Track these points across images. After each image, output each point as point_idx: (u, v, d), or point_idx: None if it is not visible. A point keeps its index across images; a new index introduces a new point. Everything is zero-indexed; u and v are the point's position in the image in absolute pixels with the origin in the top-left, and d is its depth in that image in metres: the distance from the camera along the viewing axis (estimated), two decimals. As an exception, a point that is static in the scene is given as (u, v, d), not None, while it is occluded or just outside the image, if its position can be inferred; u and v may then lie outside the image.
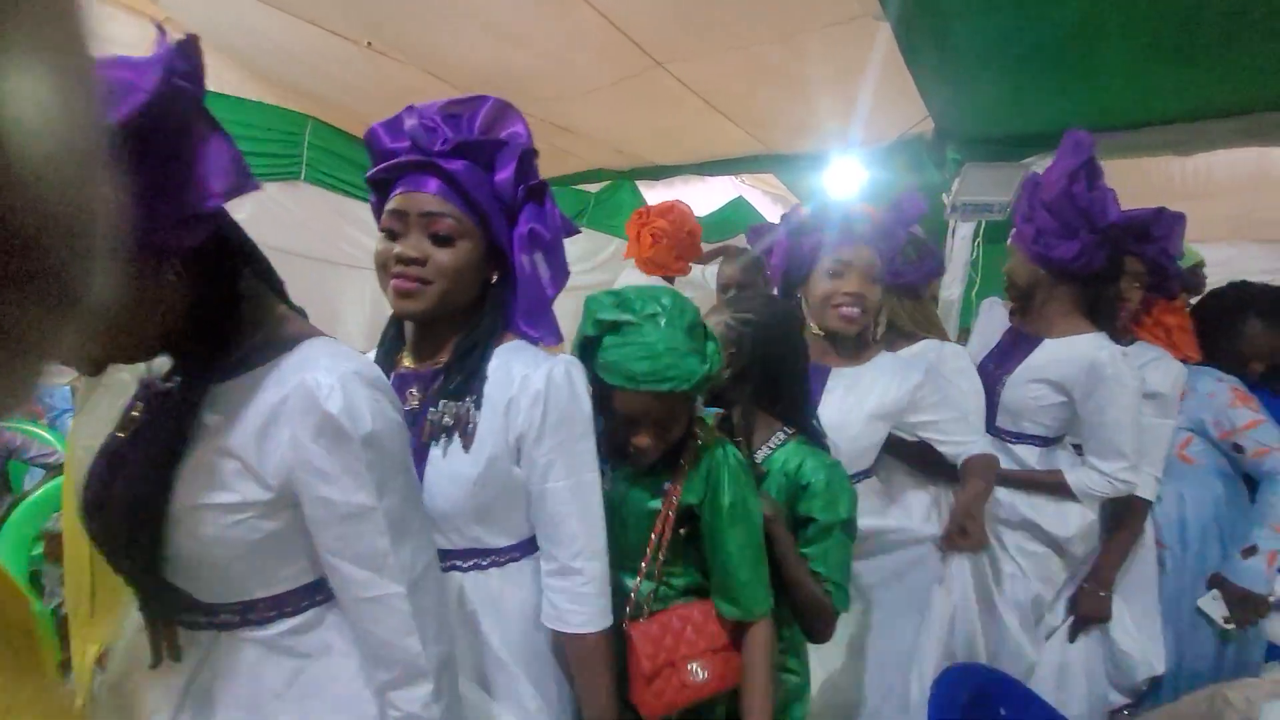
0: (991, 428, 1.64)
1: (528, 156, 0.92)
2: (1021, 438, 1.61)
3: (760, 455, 1.20)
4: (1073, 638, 1.59)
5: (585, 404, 0.93)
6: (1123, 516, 1.59)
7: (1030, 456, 1.61)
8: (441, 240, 0.87)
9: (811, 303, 1.42)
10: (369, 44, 2.33)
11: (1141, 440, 1.55)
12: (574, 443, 0.91)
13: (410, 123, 0.89)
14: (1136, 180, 3.26)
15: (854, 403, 1.38)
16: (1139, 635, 1.57)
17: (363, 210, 3.59)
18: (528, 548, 0.97)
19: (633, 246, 2.72)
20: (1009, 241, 1.60)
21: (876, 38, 1.94)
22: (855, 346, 1.44)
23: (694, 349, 0.96)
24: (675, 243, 2.63)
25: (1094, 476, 1.52)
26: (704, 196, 4.56)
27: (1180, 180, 3.40)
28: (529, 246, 0.92)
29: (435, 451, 0.90)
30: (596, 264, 4.39)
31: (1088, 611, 1.57)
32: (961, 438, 1.44)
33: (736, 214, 4.54)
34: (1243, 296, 1.67)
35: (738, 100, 2.55)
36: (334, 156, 3.40)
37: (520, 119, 0.94)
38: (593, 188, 4.29)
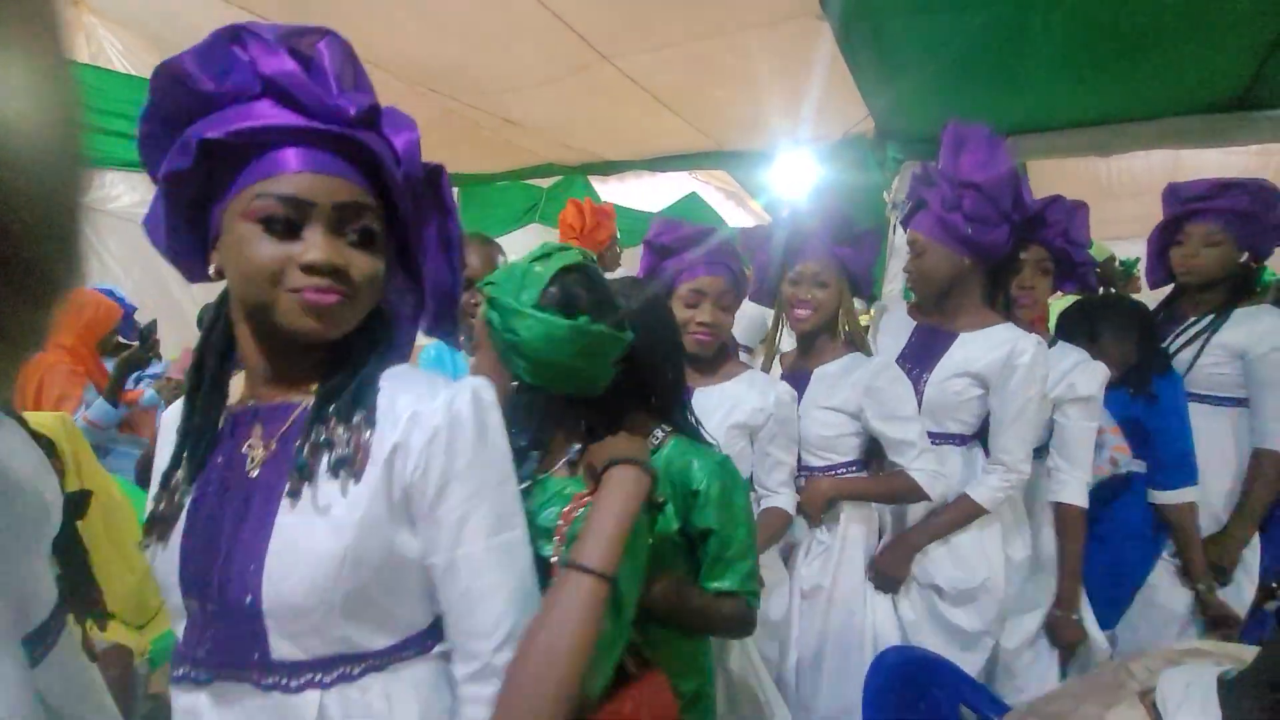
0: None
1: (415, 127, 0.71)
2: (944, 438, 1.57)
3: None
4: (1063, 671, 1.59)
5: (500, 437, 0.71)
6: (1064, 531, 1.58)
7: (953, 456, 1.57)
8: (363, 241, 0.66)
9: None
10: (302, 30, 2.24)
11: (1069, 446, 1.55)
12: (491, 490, 0.69)
13: (272, 60, 0.62)
14: (1067, 180, 3.42)
15: (719, 417, 1.38)
16: (1092, 623, 1.60)
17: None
18: (422, 643, 0.71)
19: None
20: (922, 239, 1.54)
21: (818, 37, 1.97)
22: (713, 364, 1.47)
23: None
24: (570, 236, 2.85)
25: (993, 480, 1.48)
26: (657, 191, 4.58)
27: (1105, 180, 3.59)
28: (441, 243, 0.75)
29: (288, 519, 0.64)
30: (550, 260, 4.36)
31: (1065, 639, 1.57)
32: (774, 486, 1.47)
33: (690, 209, 4.57)
34: (1096, 308, 1.79)
35: (684, 95, 2.56)
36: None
37: (362, 69, 0.71)
38: (544, 182, 4.25)
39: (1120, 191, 3.67)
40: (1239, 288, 1.75)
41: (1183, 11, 1.55)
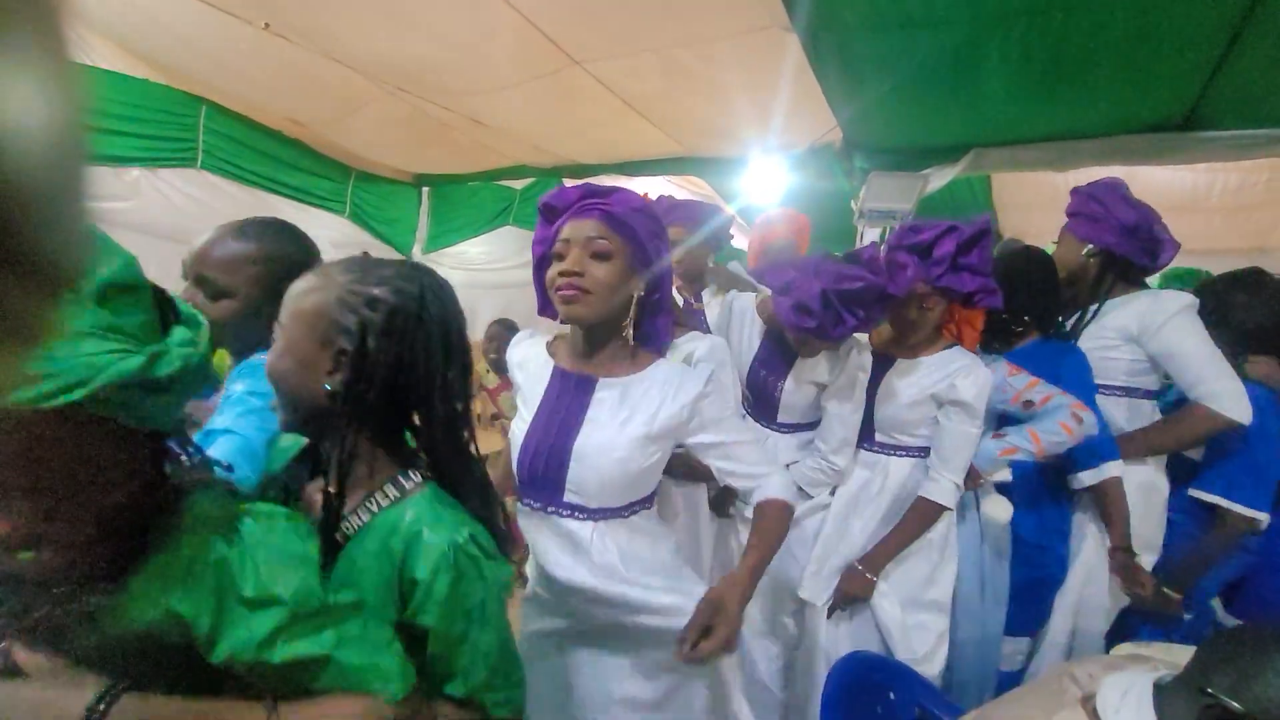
0: (774, 424, 1.77)
1: None
2: (795, 427, 1.76)
3: (359, 518, 0.80)
4: (830, 611, 1.66)
5: None
6: (913, 517, 1.61)
7: (791, 442, 1.75)
8: None
9: None
10: (266, 26, 2.19)
11: (944, 446, 1.57)
12: None
13: None
14: (1027, 190, 3.52)
15: (623, 419, 1.11)
16: (902, 630, 1.60)
17: (271, 200, 3.38)
18: None
19: None
20: (797, 327, 1.52)
21: (786, 48, 2.00)
22: (622, 353, 1.17)
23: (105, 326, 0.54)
24: None
25: (808, 463, 1.68)
26: (631, 195, 4.58)
27: (1064, 192, 3.70)
28: None
29: None
30: (523, 261, 4.33)
31: (849, 589, 1.62)
32: (757, 468, 1.15)
33: (663, 214, 4.58)
34: (1003, 257, 1.85)
35: (655, 102, 2.57)
36: (233, 143, 3.21)
37: None
38: (518, 184, 4.23)
39: (1077, 204, 3.79)
40: (1101, 278, 1.84)
41: (1130, 36, 1.61)
